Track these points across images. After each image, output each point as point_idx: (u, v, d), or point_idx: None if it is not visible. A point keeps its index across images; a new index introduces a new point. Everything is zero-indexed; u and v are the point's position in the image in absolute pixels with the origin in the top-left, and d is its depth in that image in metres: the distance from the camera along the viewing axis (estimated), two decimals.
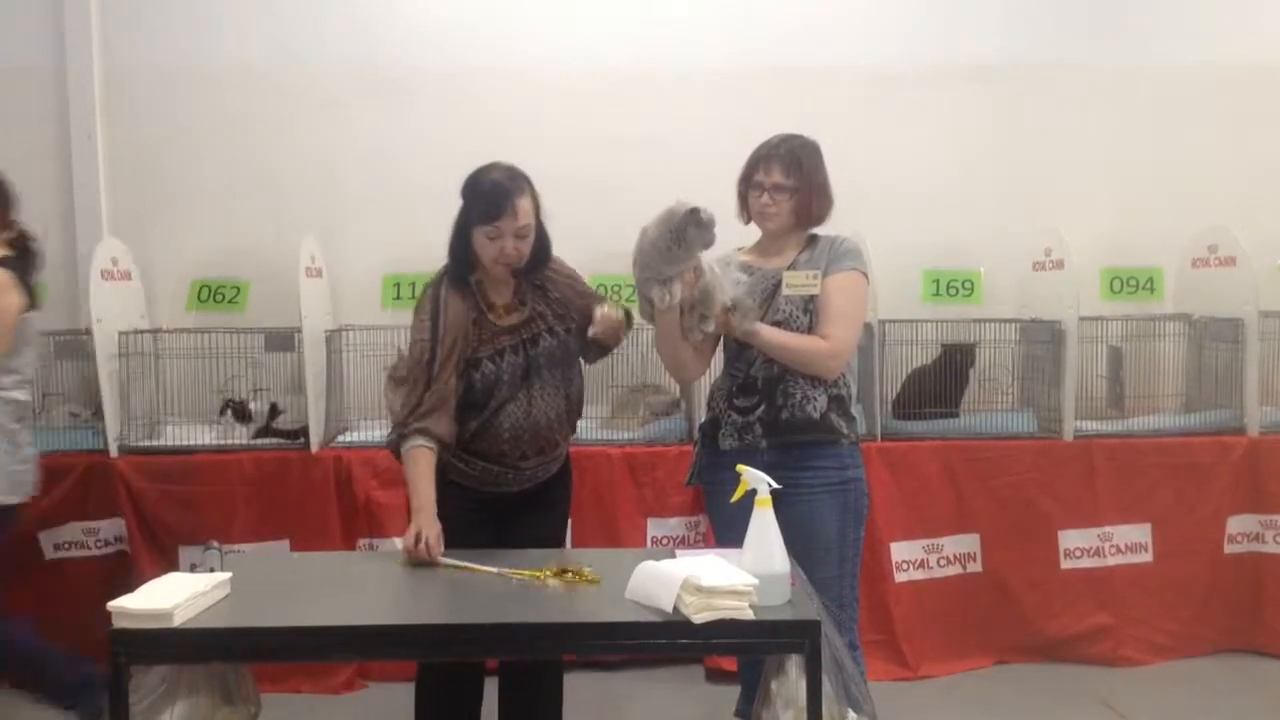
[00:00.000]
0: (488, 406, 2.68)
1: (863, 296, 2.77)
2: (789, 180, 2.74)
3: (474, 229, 2.67)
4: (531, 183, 2.71)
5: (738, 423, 2.74)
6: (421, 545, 2.46)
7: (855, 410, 2.81)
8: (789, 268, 2.75)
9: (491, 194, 2.64)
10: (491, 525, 2.76)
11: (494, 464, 2.71)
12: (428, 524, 2.50)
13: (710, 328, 2.65)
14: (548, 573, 2.34)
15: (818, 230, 2.85)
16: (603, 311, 2.68)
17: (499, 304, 2.75)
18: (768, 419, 2.71)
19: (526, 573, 2.34)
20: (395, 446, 2.65)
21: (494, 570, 2.38)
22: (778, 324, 2.71)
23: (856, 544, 2.74)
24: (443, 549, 2.49)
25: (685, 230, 2.49)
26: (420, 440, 2.59)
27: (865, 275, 2.76)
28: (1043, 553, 3.92)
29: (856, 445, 2.77)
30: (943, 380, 3.98)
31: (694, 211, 2.49)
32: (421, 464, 2.58)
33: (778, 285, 2.73)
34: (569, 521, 2.99)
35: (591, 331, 2.70)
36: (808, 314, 2.71)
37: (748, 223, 2.86)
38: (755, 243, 2.89)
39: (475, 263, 2.72)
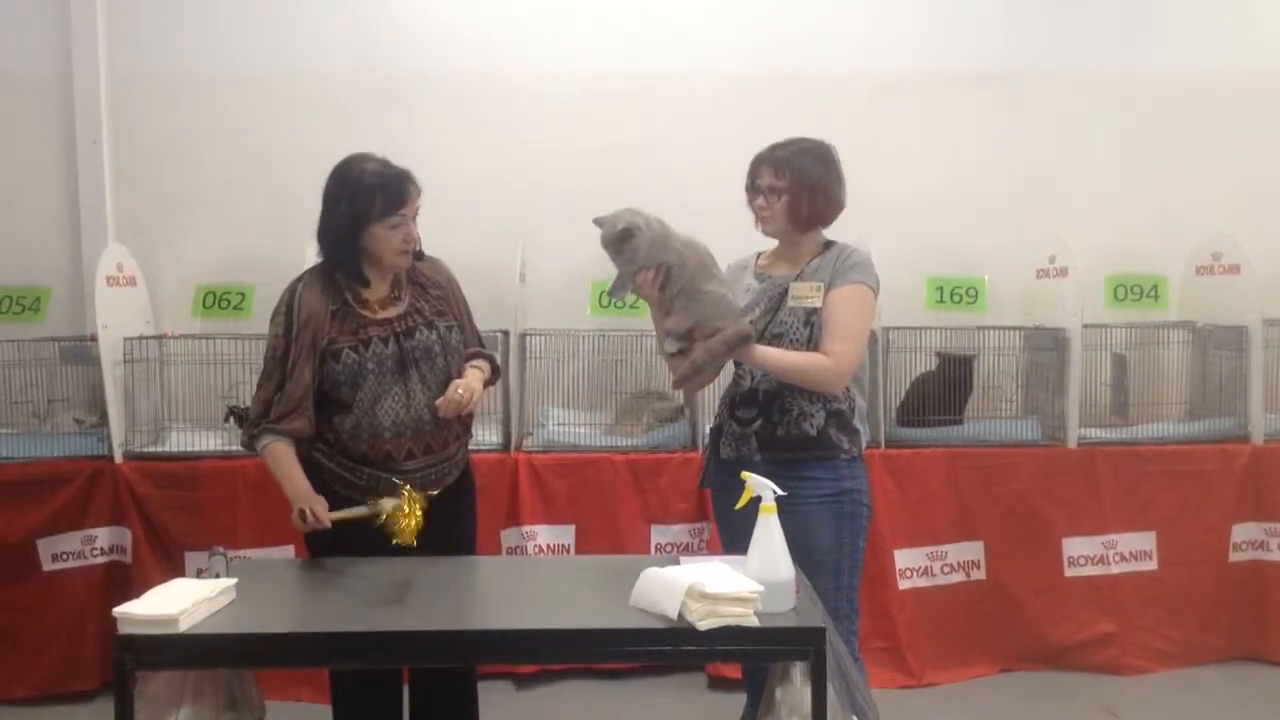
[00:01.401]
0: (357, 401, 2.62)
1: (868, 310, 2.71)
2: (780, 181, 2.70)
3: (371, 225, 2.62)
4: None
5: (736, 433, 2.73)
6: (310, 518, 2.53)
7: (859, 423, 2.76)
8: (797, 276, 2.73)
9: (390, 182, 2.63)
10: (385, 541, 2.64)
11: (380, 469, 2.63)
12: (308, 500, 2.57)
13: (672, 348, 2.61)
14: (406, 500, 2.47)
15: (835, 238, 2.81)
16: (446, 396, 2.61)
17: (372, 299, 2.70)
18: (764, 434, 2.68)
19: (388, 504, 2.48)
20: (249, 445, 2.69)
21: (365, 511, 2.51)
22: (777, 336, 2.68)
23: (854, 556, 2.70)
24: (328, 512, 2.55)
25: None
26: (273, 438, 2.62)
27: (872, 288, 2.71)
28: (1047, 560, 3.92)
29: (857, 458, 2.72)
30: (941, 390, 3.97)
31: (595, 221, 2.58)
32: (283, 457, 2.61)
33: (785, 294, 2.72)
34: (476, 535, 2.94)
35: (437, 402, 2.63)
36: (808, 327, 2.67)
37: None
38: (774, 248, 2.86)
39: (366, 262, 2.68)
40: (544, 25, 4.42)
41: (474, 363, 2.81)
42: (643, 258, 2.53)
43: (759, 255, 2.88)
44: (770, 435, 2.68)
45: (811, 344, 2.67)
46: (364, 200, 2.62)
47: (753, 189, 2.78)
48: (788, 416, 2.67)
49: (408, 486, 2.53)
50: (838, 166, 2.78)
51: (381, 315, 2.69)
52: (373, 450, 2.63)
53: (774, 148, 2.76)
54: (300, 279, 2.72)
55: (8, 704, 3.68)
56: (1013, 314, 4.32)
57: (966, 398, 4.04)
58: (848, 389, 2.72)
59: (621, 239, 2.52)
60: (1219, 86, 4.54)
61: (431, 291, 2.78)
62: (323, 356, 2.63)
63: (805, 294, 2.68)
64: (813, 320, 2.67)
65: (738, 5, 4.47)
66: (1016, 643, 3.93)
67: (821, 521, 2.65)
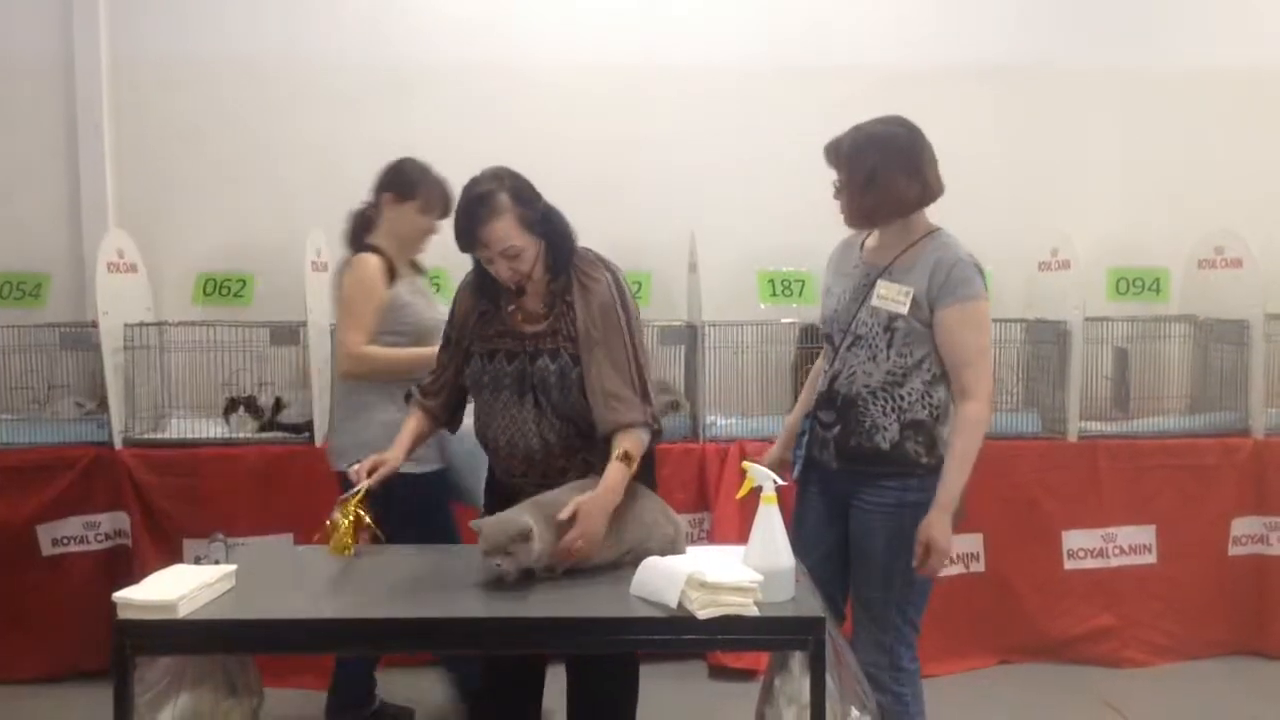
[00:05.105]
0: (477, 409, 2.59)
1: (985, 325, 2.55)
2: (839, 175, 2.57)
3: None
4: (512, 191, 2.43)
5: (819, 437, 2.63)
6: (365, 465, 2.45)
7: (942, 430, 2.58)
8: (887, 268, 2.56)
9: (458, 224, 2.45)
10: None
11: (507, 473, 2.57)
12: (379, 456, 2.49)
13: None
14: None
15: (933, 227, 2.61)
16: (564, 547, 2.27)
17: (526, 309, 2.52)
18: (840, 442, 2.58)
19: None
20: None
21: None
22: (858, 337, 2.56)
23: (909, 571, 2.55)
24: (367, 477, 2.43)
25: None
26: (415, 406, 2.65)
27: (982, 299, 2.53)
28: (1046, 553, 3.92)
29: (935, 470, 2.54)
30: None
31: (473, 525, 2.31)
32: (410, 419, 2.63)
33: (873, 286, 2.57)
34: None
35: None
36: (888, 333, 2.52)
37: None
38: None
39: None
40: (550, 17, 4.42)
41: (624, 442, 2.40)
42: (537, 558, 2.23)
43: (868, 237, 2.69)
44: (845, 444, 2.57)
45: (891, 349, 2.52)
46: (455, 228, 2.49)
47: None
48: (861, 427, 2.56)
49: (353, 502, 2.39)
50: (906, 151, 2.55)
51: (525, 329, 2.51)
52: (494, 457, 2.59)
53: (840, 137, 2.59)
54: (472, 270, 2.61)
55: (17, 683, 3.70)
56: (1014, 306, 4.32)
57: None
58: (929, 394, 2.57)
59: (516, 540, 2.20)
60: (1223, 82, 4.53)
61: (571, 314, 2.49)
62: (465, 355, 2.59)
63: (891, 296, 2.53)
64: (894, 326, 2.52)
65: None
66: (1015, 635, 3.94)
67: (878, 530, 2.57)
